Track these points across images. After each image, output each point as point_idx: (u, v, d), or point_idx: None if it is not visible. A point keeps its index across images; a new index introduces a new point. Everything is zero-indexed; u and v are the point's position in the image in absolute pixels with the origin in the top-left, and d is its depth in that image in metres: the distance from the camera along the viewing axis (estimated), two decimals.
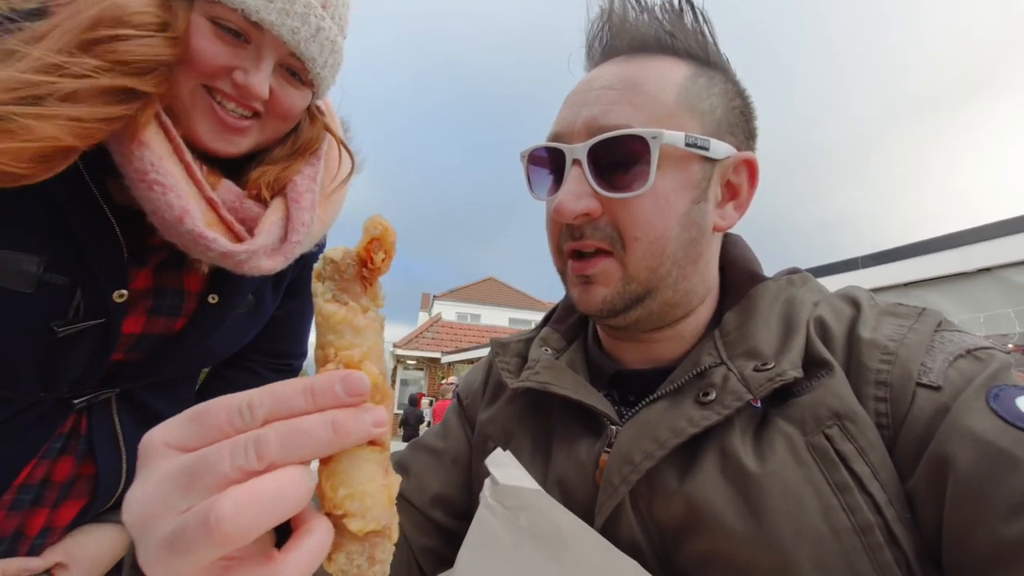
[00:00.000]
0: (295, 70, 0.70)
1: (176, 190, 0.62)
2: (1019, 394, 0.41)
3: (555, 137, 0.58)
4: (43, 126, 0.52)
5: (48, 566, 0.72)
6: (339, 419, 0.27)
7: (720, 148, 0.55)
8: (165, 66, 0.61)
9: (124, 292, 0.66)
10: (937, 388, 0.44)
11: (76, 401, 0.70)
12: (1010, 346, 3.13)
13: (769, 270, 0.64)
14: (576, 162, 0.54)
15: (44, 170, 0.55)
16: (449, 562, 0.67)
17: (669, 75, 0.56)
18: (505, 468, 0.54)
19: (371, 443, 0.29)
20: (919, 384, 0.45)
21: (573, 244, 0.56)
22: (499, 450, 0.57)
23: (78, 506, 0.75)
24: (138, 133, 0.60)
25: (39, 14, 0.57)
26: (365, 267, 0.31)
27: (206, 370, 0.97)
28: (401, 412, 12.78)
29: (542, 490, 0.52)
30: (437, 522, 0.65)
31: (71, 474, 0.73)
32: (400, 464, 0.69)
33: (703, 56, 0.59)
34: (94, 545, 0.77)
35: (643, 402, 0.55)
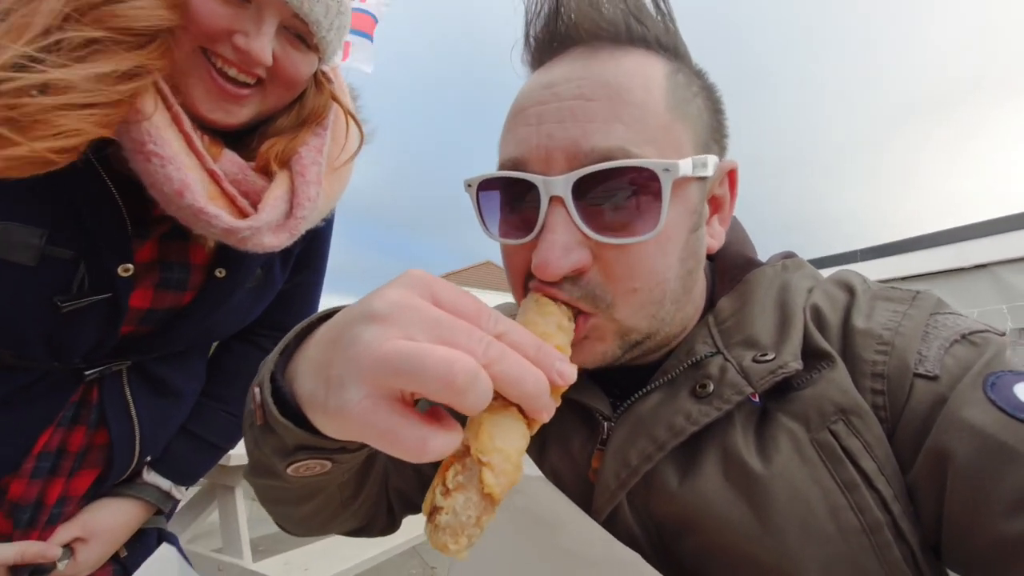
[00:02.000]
0: (300, 33, 0.66)
1: (175, 162, 0.59)
2: (1017, 381, 0.40)
3: (517, 163, 0.46)
4: (72, 118, 0.51)
5: (65, 542, 0.74)
6: (544, 384, 0.30)
7: (711, 162, 0.47)
8: (165, 32, 0.58)
9: (129, 266, 0.65)
10: (934, 377, 0.43)
11: (87, 372, 0.71)
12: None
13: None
14: (556, 200, 0.43)
15: (68, 158, 0.54)
16: (417, 507, 0.69)
17: (650, 74, 0.46)
18: None
19: (529, 421, 0.32)
20: (916, 374, 0.43)
21: (546, 291, 0.46)
22: None
23: (92, 476, 0.76)
24: (134, 102, 0.57)
25: None
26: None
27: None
28: None
29: (539, 475, 0.50)
30: (416, 465, 0.63)
31: (84, 444, 0.74)
32: None
33: (672, 47, 0.50)
34: (111, 518, 0.78)
35: (635, 395, 0.52)
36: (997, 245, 3.19)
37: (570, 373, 0.32)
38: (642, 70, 0.46)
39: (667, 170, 0.42)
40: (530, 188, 0.45)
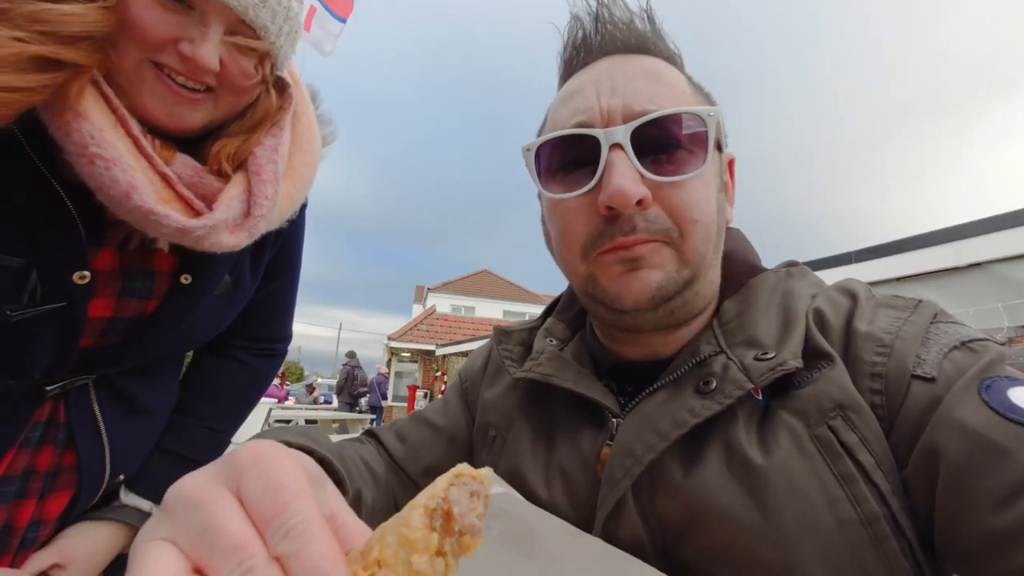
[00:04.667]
0: (248, 38, 0.64)
1: (120, 164, 0.57)
2: (1011, 385, 0.40)
3: (579, 127, 0.53)
4: None
5: (41, 569, 0.70)
6: None
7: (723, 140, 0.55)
8: (98, 36, 0.56)
9: (86, 274, 0.63)
10: (931, 379, 0.44)
11: (48, 388, 0.68)
12: (999, 337, 3.16)
13: (771, 263, 0.64)
14: (617, 147, 0.49)
15: None
16: None
17: (673, 70, 0.56)
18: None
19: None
20: (913, 376, 0.44)
21: (624, 239, 0.50)
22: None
23: (66, 498, 0.73)
24: (72, 103, 0.55)
25: None
26: (448, 519, 0.25)
27: (191, 355, 0.95)
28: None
29: (508, 491, 0.50)
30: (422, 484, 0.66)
31: (53, 464, 0.71)
32: (399, 433, 0.71)
33: (680, 64, 0.59)
34: (90, 544, 0.75)
35: (643, 393, 0.54)
36: (993, 243, 3.19)
37: None
38: (667, 66, 0.56)
39: (711, 115, 0.51)
40: (590, 146, 0.51)
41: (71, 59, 0.54)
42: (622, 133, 0.49)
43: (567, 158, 0.54)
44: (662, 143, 0.50)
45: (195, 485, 0.26)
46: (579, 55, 0.59)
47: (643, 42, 0.57)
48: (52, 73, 0.53)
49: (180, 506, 0.26)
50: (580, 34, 0.59)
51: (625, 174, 0.48)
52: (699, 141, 0.51)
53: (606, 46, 0.57)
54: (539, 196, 0.65)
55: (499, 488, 0.50)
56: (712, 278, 0.56)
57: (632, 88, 0.52)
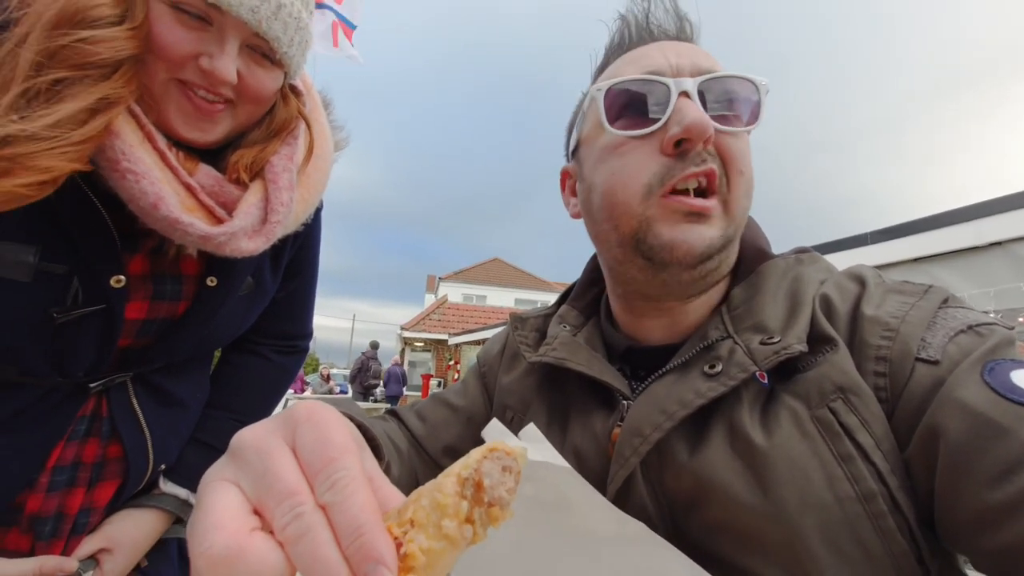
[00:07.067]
0: (263, 51, 0.69)
1: (149, 177, 0.62)
2: (1015, 367, 0.41)
3: (651, 75, 0.56)
4: (43, 159, 0.53)
5: (90, 553, 0.75)
6: None
7: None
8: (130, 60, 0.60)
9: (121, 278, 0.68)
10: (935, 362, 0.44)
11: (92, 385, 0.73)
12: (1021, 319, 3.11)
13: (789, 246, 0.65)
14: (685, 94, 0.53)
15: (46, 191, 0.56)
16: None
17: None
18: (505, 438, 0.54)
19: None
20: (918, 359, 0.45)
21: (698, 171, 0.52)
22: (494, 421, 0.58)
23: (113, 487, 0.78)
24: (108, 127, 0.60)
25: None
26: (477, 488, 0.26)
27: (219, 352, 1.00)
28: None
29: (546, 460, 0.51)
30: (441, 462, 0.69)
31: (99, 455, 0.76)
32: (419, 413, 0.74)
33: None
34: (134, 529, 0.80)
35: (653, 376, 0.56)
36: (1013, 221, 3.12)
37: None
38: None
39: (762, 83, 0.56)
40: (658, 93, 0.54)
41: (117, 94, 0.59)
42: (691, 83, 0.53)
43: (633, 103, 0.56)
44: (723, 100, 0.55)
45: (256, 436, 0.29)
46: (628, 40, 0.63)
47: (687, 33, 0.62)
48: (109, 112, 0.58)
49: (243, 452, 0.29)
50: (629, 28, 0.63)
51: (699, 108, 0.52)
52: (754, 105, 0.56)
53: (653, 35, 0.61)
54: (572, 154, 0.66)
55: (539, 456, 0.52)
56: (735, 246, 0.58)
57: (697, 54, 0.57)
